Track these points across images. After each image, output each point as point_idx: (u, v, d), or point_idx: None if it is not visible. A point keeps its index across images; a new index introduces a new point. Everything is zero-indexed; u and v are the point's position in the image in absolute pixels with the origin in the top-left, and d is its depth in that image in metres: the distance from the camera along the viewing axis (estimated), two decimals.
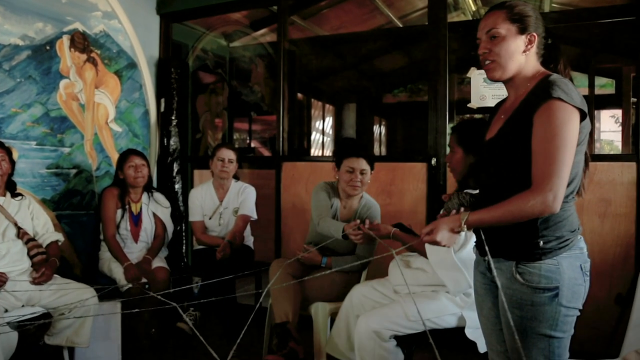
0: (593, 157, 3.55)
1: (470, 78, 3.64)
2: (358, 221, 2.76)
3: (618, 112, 7.13)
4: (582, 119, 1.56)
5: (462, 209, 1.77)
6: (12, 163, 3.16)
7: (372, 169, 3.16)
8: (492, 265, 1.63)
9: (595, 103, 6.74)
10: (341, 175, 3.15)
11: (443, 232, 1.67)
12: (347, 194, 3.19)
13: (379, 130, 9.29)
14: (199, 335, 1.22)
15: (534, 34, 1.67)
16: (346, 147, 3.20)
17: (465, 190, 1.77)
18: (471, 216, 1.63)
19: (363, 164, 3.09)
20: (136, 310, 3.24)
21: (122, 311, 3.32)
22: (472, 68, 3.45)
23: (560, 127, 1.51)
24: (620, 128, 6.89)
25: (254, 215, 3.97)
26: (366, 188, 3.19)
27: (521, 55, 1.67)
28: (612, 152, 8.08)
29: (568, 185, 1.57)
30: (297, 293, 2.95)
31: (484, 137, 1.79)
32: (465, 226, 1.63)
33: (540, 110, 1.54)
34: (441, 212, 1.88)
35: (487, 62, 1.71)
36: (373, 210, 3.22)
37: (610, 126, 8.01)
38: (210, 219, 3.97)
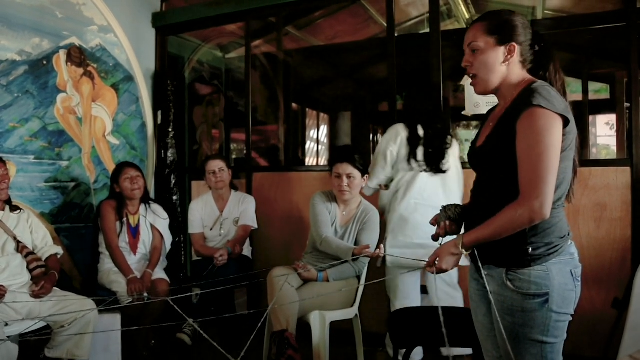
0: (587, 162, 3.60)
1: (464, 86, 3.67)
2: (367, 245, 2.98)
3: (613, 117, 7.15)
4: (566, 125, 1.57)
5: (447, 222, 1.81)
6: None
7: (363, 173, 3.18)
8: (483, 273, 1.66)
9: (591, 108, 6.75)
10: (332, 182, 3.20)
11: (447, 259, 1.69)
12: (340, 200, 3.22)
13: (375, 138, 9.29)
14: (209, 338, 1.23)
15: (514, 43, 1.67)
16: (334, 154, 3.25)
17: (450, 204, 1.84)
18: (465, 238, 1.65)
19: (349, 168, 3.13)
20: (148, 322, 3.24)
21: (122, 322, 3.33)
22: (466, 76, 3.49)
23: (542, 133, 1.52)
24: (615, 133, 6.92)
25: (255, 225, 4.00)
26: (357, 192, 3.22)
27: (501, 65, 1.69)
28: (609, 157, 8.09)
29: (556, 191, 1.57)
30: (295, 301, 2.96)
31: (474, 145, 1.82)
32: (463, 250, 1.65)
33: (521, 118, 1.56)
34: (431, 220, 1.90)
35: (470, 75, 1.75)
36: (371, 216, 3.23)
37: (606, 131, 8.03)
38: (211, 229, 3.99)
